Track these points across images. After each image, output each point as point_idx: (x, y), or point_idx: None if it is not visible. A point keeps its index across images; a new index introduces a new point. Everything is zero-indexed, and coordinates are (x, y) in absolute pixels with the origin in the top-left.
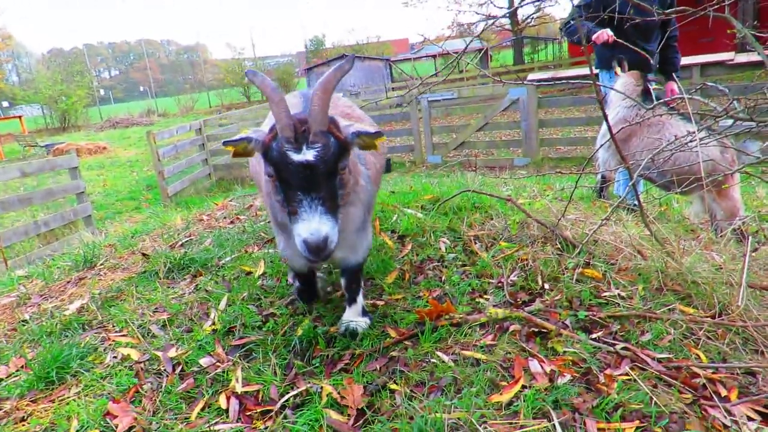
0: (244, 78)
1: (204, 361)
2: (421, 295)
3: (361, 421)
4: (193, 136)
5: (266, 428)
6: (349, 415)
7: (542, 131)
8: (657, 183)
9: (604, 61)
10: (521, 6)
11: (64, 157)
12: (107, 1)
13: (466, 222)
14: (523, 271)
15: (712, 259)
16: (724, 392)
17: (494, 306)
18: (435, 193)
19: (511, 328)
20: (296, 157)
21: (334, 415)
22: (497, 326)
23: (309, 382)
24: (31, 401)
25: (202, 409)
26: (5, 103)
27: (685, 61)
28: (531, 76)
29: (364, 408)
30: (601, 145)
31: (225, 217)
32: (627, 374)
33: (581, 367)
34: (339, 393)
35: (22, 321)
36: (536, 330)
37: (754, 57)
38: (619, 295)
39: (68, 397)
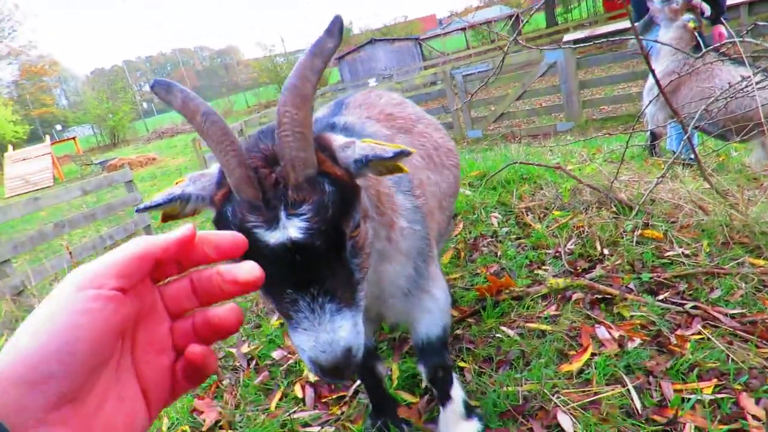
0: (278, 75)
1: (276, 354)
2: (479, 272)
3: (433, 402)
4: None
5: (342, 413)
6: (420, 395)
7: (584, 92)
8: (713, 134)
9: (641, 14)
10: None
11: (118, 172)
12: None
13: (516, 194)
14: (579, 239)
15: None
16: None
17: (554, 276)
18: (481, 169)
19: (574, 296)
20: (271, 236)
21: (405, 396)
22: (559, 296)
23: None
24: None
25: (280, 399)
26: (59, 127)
27: (730, 0)
28: (567, 37)
29: None
30: (650, 101)
31: None
32: (699, 333)
33: (651, 330)
34: (409, 374)
35: None
36: (600, 296)
37: None
38: (683, 253)
39: None
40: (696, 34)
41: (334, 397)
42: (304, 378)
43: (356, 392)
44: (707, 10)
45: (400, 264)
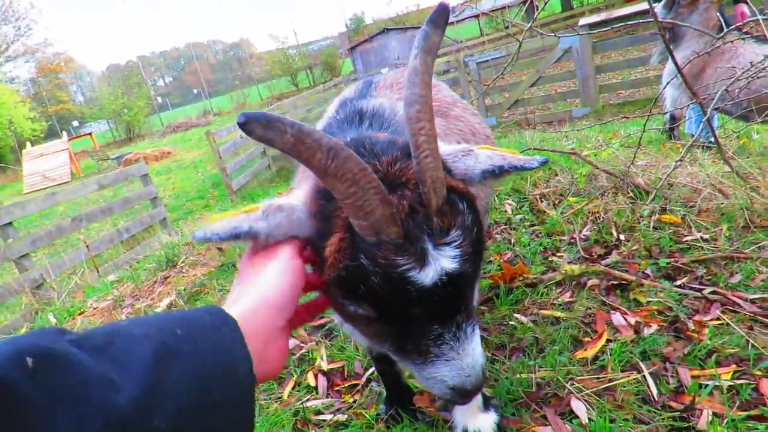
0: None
1: (289, 343)
2: (492, 259)
3: None
4: None
5: (355, 401)
6: None
7: (600, 77)
8: (734, 115)
9: None
10: None
11: (134, 166)
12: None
13: (530, 181)
14: (595, 225)
15: None
16: None
17: (569, 263)
18: None
19: (589, 283)
20: (425, 276)
21: (419, 385)
22: (574, 283)
23: None
24: None
25: (293, 388)
26: (75, 123)
27: None
28: (582, 21)
29: None
30: (668, 83)
31: None
32: (718, 319)
33: (668, 316)
34: None
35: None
36: (616, 283)
37: None
38: (701, 238)
39: None
40: (718, 14)
41: (346, 385)
42: (317, 367)
43: (369, 380)
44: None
45: None
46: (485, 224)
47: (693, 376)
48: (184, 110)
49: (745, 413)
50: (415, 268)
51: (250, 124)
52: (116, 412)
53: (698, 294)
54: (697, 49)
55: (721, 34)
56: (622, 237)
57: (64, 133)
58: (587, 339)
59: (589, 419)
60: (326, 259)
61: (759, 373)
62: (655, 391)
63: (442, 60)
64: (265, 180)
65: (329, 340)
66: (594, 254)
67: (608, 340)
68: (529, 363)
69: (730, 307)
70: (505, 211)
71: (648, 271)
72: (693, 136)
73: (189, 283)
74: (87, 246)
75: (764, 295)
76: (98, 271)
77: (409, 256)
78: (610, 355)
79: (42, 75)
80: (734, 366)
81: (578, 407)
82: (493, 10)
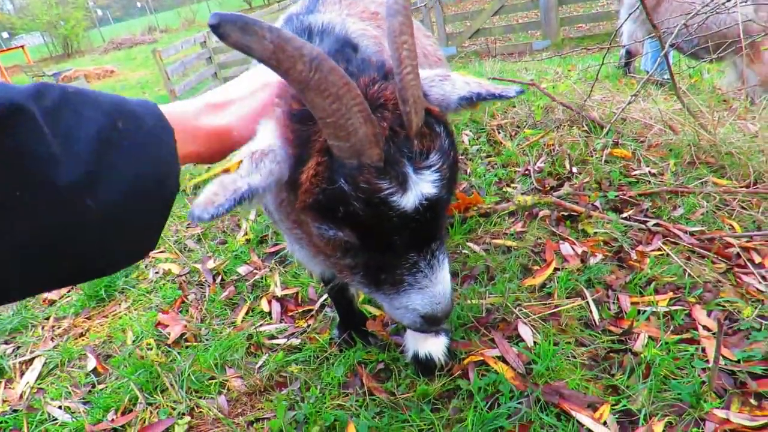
0: None
1: (242, 270)
2: None
3: None
4: (198, 50)
5: (308, 326)
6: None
7: (562, 9)
8: (687, 52)
9: None
10: None
11: (73, 84)
12: None
13: (488, 112)
14: (550, 157)
15: (747, 128)
16: (758, 259)
17: (522, 194)
18: None
19: (541, 214)
20: (406, 200)
21: (372, 309)
22: (526, 213)
23: None
24: (86, 318)
25: (246, 314)
26: (5, 34)
27: None
28: None
29: None
30: (628, 16)
31: None
32: (659, 249)
33: (613, 246)
34: None
35: None
36: (566, 214)
37: None
38: (649, 172)
39: (120, 312)
40: None
41: (300, 311)
42: (271, 293)
43: (322, 306)
44: None
45: None
46: None
47: (632, 303)
48: (128, 25)
49: (677, 336)
50: (397, 193)
51: (224, 27)
52: (53, 186)
53: (642, 226)
54: None
55: None
56: (574, 170)
57: None
58: (536, 267)
59: (535, 342)
60: (301, 184)
61: (693, 300)
62: (597, 317)
63: None
64: None
65: (283, 267)
66: (547, 186)
67: (556, 269)
68: (480, 290)
69: (671, 239)
70: (462, 142)
71: (597, 203)
72: (648, 72)
73: None
74: None
75: (703, 228)
76: None
77: (390, 180)
78: (557, 282)
79: None
80: (671, 294)
81: (525, 331)
82: None
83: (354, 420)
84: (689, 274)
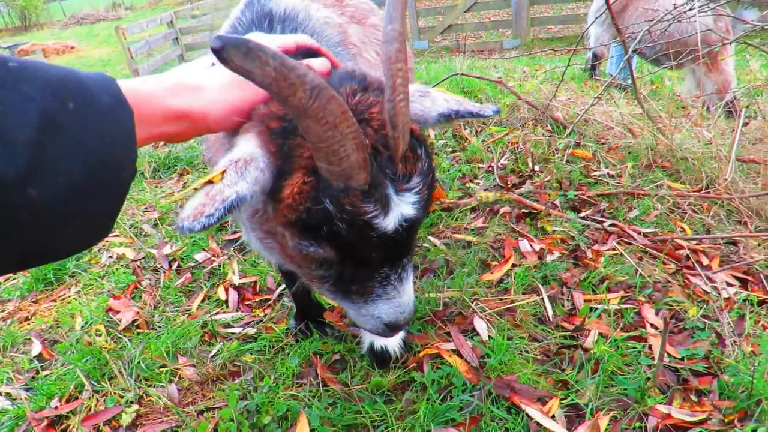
0: None
1: (199, 257)
2: None
3: None
4: (165, 30)
5: (265, 315)
6: None
7: (533, 9)
8: (648, 58)
9: None
10: None
11: (29, 58)
12: None
13: None
14: (513, 155)
15: (702, 135)
16: (706, 261)
17: (485, 190)
18: (422, 79)
19: (502, 210)
20: (387, 222)
21: (329, 301)
22: (488, 209)
23: None
24: (33, 302)
25: (202, 301)
26: None
27: None
28: None
29: None
30: (595, 19)
31: None
32: (614, 249)
33: (569, 245)
34: None
35: None
36: (526, 211)
37: None
38: (608, 173)
39: (69, 297)
40: None
41: (258, 300)
42: (228, 281)
43: (281, 296)
44: None
45: None
46: None
47: (585, 300)
48: (91, 0)
49: (626, 334)
50: (380, 215)
51: (227, 51)
52: None
53: (599, 226)
54: None
55: None
56: (536, 168)
57: None
58: (495, 263)
59: (489, 337)
60: (283, 200)
61: (642, 299)
62: (551, 313)
63: None
64: None
65: (242, 255)
66: (509, 183)
67: (514, 265)
68: (439, 283)
69: (625, 239)
70: (429, 136)
71: (557, 202)
72: (612, 75)
73: None
74: None
75: (656, 230)
76: None
77: (375, 203)
78: (514, 278)
79: None
80: (622, 292)
81: (480, 325)
82: None
83: (306, 410)
84: (641, 274)
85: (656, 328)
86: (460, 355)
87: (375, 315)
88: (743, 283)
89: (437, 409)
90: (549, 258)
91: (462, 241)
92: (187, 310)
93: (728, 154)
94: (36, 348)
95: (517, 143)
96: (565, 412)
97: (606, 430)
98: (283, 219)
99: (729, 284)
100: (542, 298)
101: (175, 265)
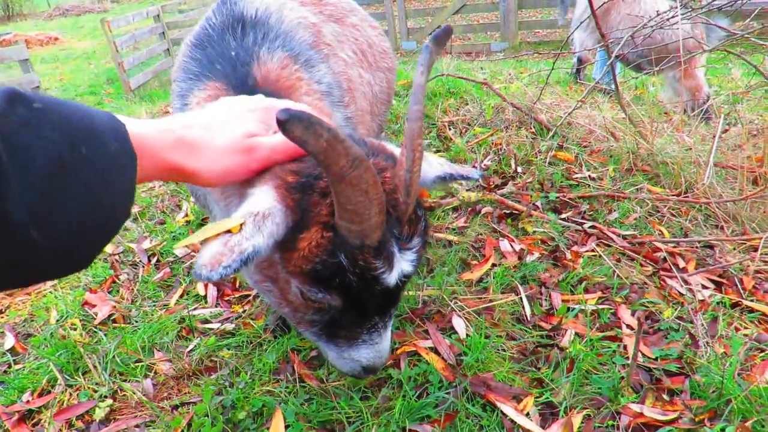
0: None
1: (179, 252)
2: None
3: None
4: (151, 23)
5: (244, 311)
6: None
7: (521, 13)
8: (631, 63)
9: None
10: None
11: (11, 48)
12: None
13: (441, 108)
14: (497, 156)
15: (682, 140)
16: (682, 264)
17: (467, 190)
18: (409, 79)
19: (483, 210)
20: (390, 277)
21: None
22: (470, 209)
23: None
24: (7, 294)
25: (181, 296)
26: None
27: None
28: None
29: None
30: (579, 24)
31: None
32: (593, 251)
33: (549, 245)
34: None
35: None
36: (508, 212)
37: None
38: (590, 176)
39: (44, 290)
40: None
41: (237, 296)
42: None
43: None
44: None
45: None
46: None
47: (563, 300)
48: None
49: (602, 334)
50: (387, 271)
51: (291, 123)
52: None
53: (579, 227)
54: None
55: None
56: (519, 169)
57: None
58: (475, 262)
59: (467, 335)
60: (299, 251)
61: (619, 300)
62: (528, 312)
63: None
64: (168, 81)
65: None
66: (492, 184)
67: (494, 264)
68: (418, 282)
69: (605, 241)
70: None
71: (538, 203)
72: (596, 80)
73: None
74: None
75: (635, 232)
76: None
77: (383, 260)
78: (494, 278)
79: None
80: (599, 293)
81: (458, 324)
82: None
83: (282, 406)
84: (618, 275)
85: (632, 328)
86: (437, 353)
87: (355, 358)
88: (718, 286)
89: (413, 405)
90: (529, 258)
91: (443, 240)
92: (165, 305)
93: (707, 160)
94: (9, 341)
95: (500, 144)
96: (539, 410)
97: (579, 428)
98: (294, 268)
99: (704, 287)
100: (521, 298)
101: (154, 260)
